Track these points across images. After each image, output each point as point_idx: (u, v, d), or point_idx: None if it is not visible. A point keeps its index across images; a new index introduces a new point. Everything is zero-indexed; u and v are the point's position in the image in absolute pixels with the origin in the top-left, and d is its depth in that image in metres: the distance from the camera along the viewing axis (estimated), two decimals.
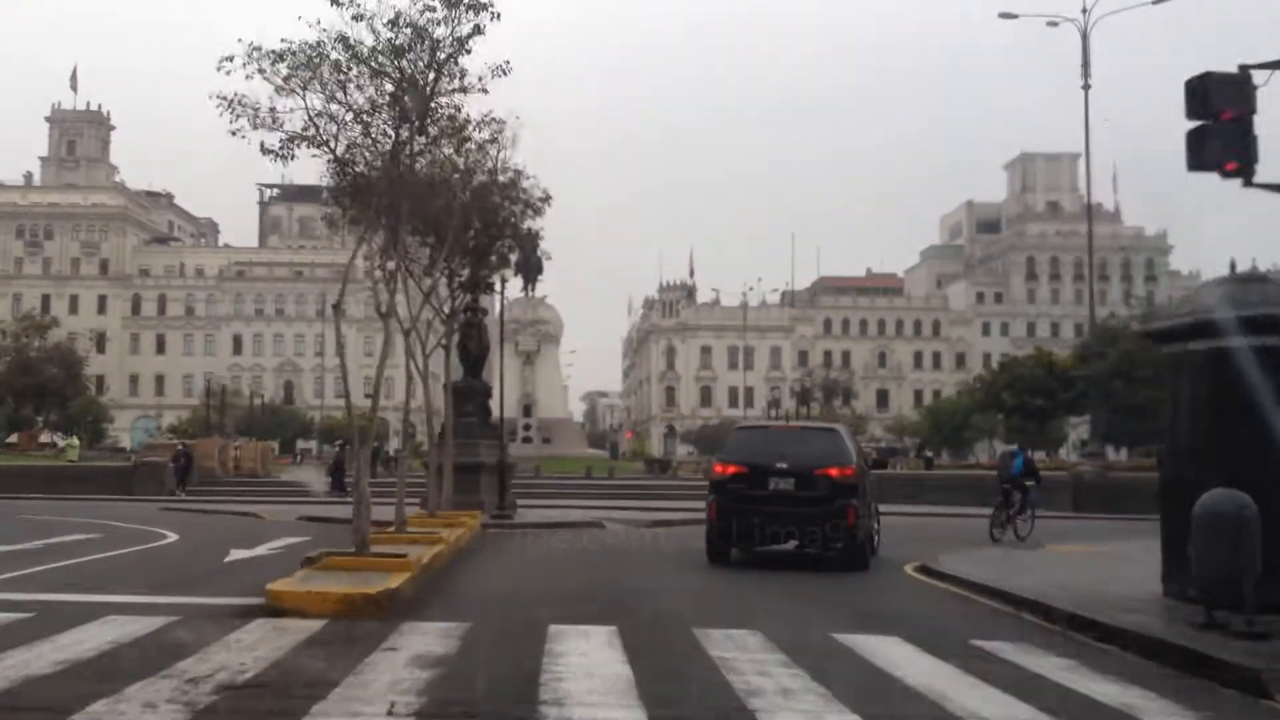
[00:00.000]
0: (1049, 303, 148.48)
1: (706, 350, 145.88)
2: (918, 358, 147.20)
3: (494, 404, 30.78)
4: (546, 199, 21.55)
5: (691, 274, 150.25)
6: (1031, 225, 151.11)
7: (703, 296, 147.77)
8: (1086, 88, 49.22)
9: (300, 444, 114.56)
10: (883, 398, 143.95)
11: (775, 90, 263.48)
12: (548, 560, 18.14)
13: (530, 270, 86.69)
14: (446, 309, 22.32)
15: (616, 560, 18.39)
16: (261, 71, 13.66)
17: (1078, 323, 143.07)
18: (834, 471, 16.75)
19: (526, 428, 77.26)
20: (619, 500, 43.01)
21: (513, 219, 21.79)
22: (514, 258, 22.90)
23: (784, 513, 16.56)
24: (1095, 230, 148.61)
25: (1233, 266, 13.23)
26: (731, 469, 17.14)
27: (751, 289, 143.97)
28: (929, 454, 71.87)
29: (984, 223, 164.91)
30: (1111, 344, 47.50)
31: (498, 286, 25.22)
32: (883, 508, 20.50)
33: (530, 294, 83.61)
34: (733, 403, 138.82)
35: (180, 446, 45.03)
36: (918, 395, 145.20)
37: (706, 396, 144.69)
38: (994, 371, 63.02)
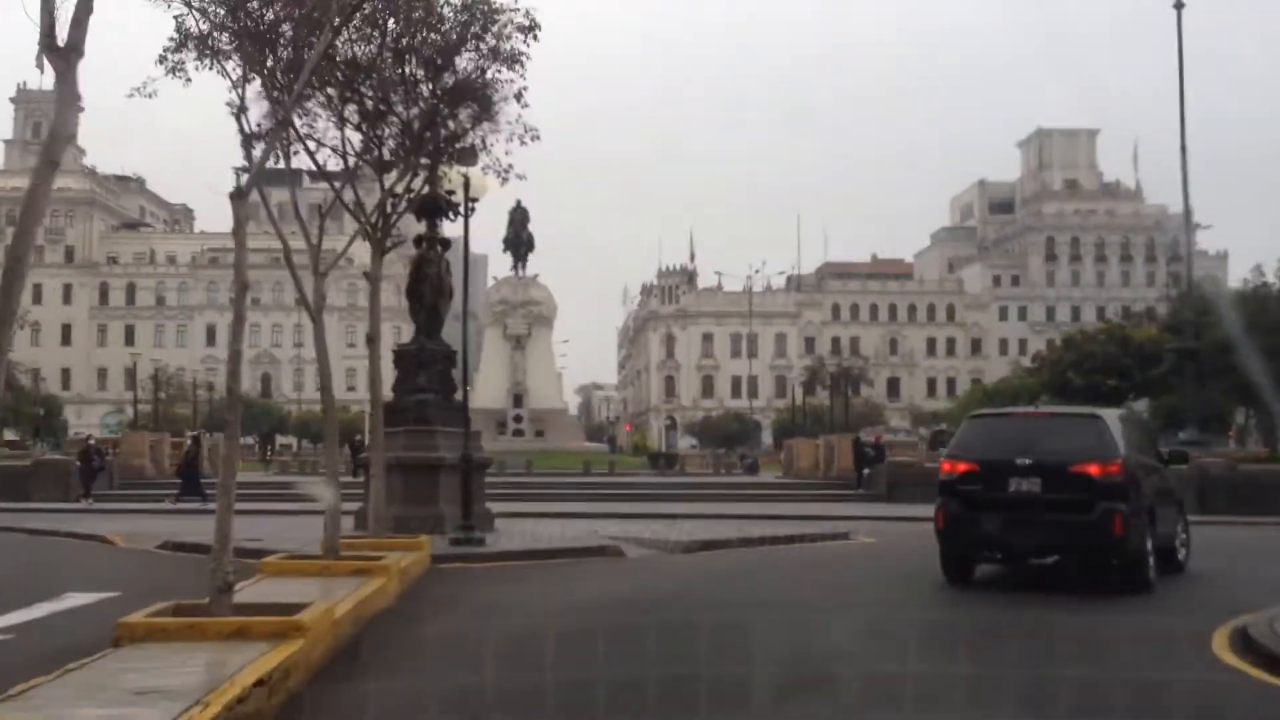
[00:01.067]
0: (1069, 285, 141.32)
1: (708, 338, 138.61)
2: (931, 344, 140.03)
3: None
4: (531, 28, 13.23)
5: (692, 258, 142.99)
6: (1049, 204, 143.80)
7: (704, 281, 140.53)
8: (1179, 6, 41.40)
9: (279, 440, 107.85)
10: (894, 386, 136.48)
11: (777, 71, 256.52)
12: (536, 673, 7.76)
13: (521, 246, 79.50)
14: (373, 215, 14.19)
15: (688, 658, 8.59)
16: None
17: (1100, 305, 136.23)
18: (1093, 469, 13.48)
19: (517, 419, 69.70)
20: (625, 503, 35.64)
21: (478, 78, 13.63)
22: (483, 139, 14.54)
23: (1028, 520, 13.63)
24: (1117, 209, 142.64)
25: None
26: (961, 467, 14.17)
27: (757, 271, 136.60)
28: None
29: (997, 203, 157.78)
30: (1205, 312, 39.66)
31: (459, 195, 16.68)
32: (908, 510, 19.97)
33: (520, 272, 76.03)
34: (736, 393, 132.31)
35: (90, 442, 36.93)
36: (931, 383, 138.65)
37: (708, 386, 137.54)
38: (1058, 349, 55.20)
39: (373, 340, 14.53)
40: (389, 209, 14.11)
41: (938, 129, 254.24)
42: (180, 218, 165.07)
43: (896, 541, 19.82)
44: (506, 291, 75.44)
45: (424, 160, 14.32)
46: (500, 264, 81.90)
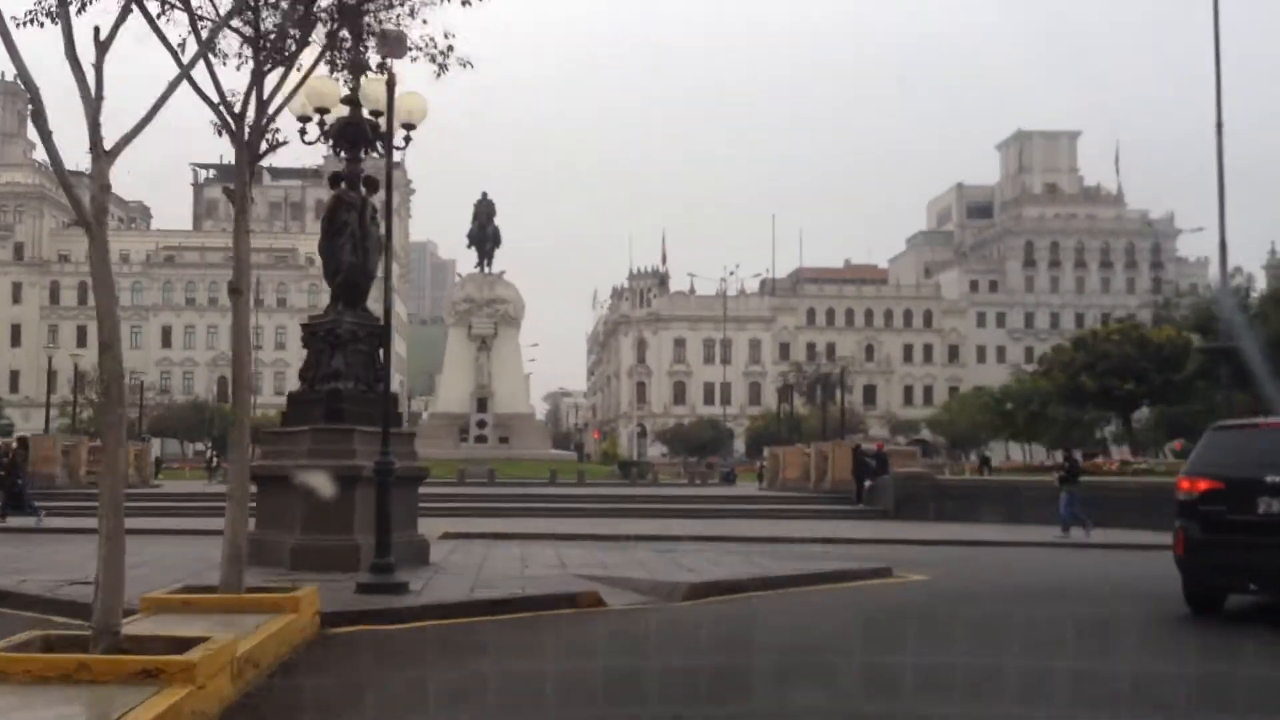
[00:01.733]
0: (1048, 291, 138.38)
1: (680, 343, 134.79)
2: (908, 350, 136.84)
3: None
4: None
5: (664, 260, 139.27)
6: (1029, 208, 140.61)
7: (676, 285, 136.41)
8: None
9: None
10: (870, 393, 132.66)
11: (755, 77, 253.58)
12: None
13: (486, 241, 75.12)
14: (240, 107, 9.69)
15: None
16: None
17: (1079, 312, 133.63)
18: None
19: (481, 424, 65.36)
20: (595, 518, 31.74)
21: None
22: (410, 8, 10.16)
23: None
24: (1097, 214, 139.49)
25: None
26: (1202, 485, 12.48)
27: (732, 273, 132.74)
28: (987, 454, 60.33)
29: (974, 207, 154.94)
30: (1241, 309, 35.77)
31: (378, 99, 12.20)
32: (929, 532, 17.75)
33: (486, 269, 71.70)
34: (708, 399, 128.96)
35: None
36: (908, 391, 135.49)
37: (680, 393, 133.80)
38: (1067, 349, 50.80)
39: (237, 292, 9.90)
40: (265, 96, 9.68)
41: (917, 133, 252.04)
42: (136, 215, 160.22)
43: (960, 578, 15.60)
44: (471, 289, 71.05)
45: (316, 36, 9.97)
46: (467, 264, 77.80)
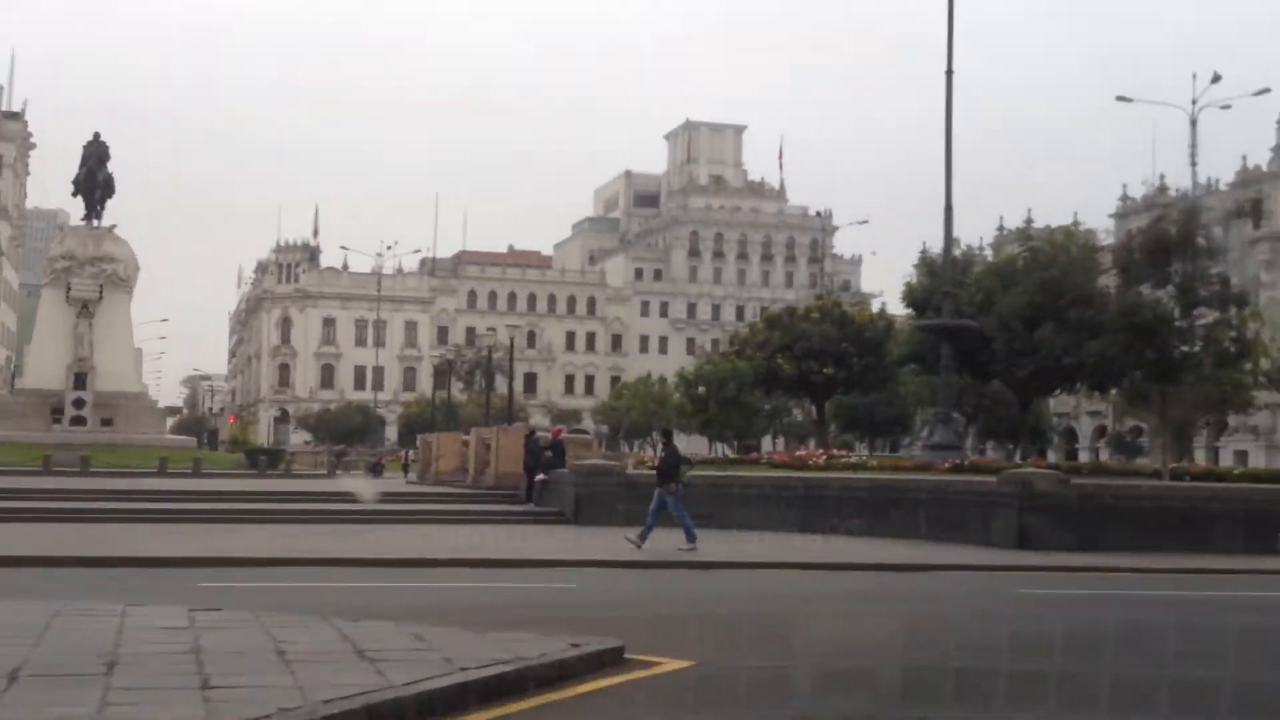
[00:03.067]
0: (711, 282, 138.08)
1: (330, 322, 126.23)
2: (570, 338, 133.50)
3: None
4: None
5: (316, 234, 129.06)
6: (695, 199, 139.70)
7: (329, 260, 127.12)
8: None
9: None
10: (530, 381, 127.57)
11: (419, 58, 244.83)
12: None
13: (95, 189, 64.46)
14: None
15: None
16: None
17: (740, 304, 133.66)
18: None
19: (79, 404, 55.33)
20: (204, 525, 24.31)
21: None
22: None
23: None
24: (761, 207, 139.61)
25: None
26: None
27: (390, 248, 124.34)
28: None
29: (642, 196, 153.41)
30: (963, 285, 31.66)
31: None
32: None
33: (95, 222, 61.20)
34: (359, 384, 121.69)
35: None
36: (569, 380, 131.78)
37: (328, 376, 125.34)
38: (761, 329, 45.63)
39: None
40: None
41: (588, 121, 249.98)
42: None
43: (748, 660, 9.04)
44: (73, 244, 60.28)
45: None
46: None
